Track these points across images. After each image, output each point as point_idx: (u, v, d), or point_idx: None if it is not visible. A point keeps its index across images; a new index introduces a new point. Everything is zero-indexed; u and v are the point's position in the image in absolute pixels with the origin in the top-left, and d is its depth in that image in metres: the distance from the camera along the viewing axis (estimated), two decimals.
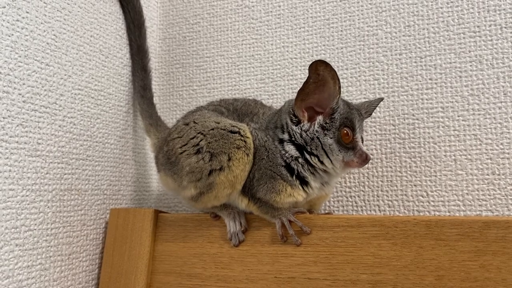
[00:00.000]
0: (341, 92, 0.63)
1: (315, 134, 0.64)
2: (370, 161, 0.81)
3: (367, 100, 0.79)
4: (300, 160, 0.65)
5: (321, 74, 0.60)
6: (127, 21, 0.91)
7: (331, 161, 0.65)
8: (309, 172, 0.66)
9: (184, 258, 0.73)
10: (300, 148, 0.66)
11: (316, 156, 0.65)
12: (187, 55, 0.99)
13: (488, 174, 0.74)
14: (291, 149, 0.66)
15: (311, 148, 0.65)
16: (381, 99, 0.75)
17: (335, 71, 0.60)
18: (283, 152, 0.66)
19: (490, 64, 0.75)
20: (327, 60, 0.86)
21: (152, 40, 1.00)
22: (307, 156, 0.65)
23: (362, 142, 0.67)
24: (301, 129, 0.65)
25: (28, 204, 0.66)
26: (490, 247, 0.57)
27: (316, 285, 0.64)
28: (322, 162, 0.65)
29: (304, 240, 0.66)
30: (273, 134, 0.68)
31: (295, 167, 0.66)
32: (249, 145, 0.66)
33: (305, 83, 0.62)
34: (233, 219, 0.70)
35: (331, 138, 0.64)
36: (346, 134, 0.63)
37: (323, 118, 0.64)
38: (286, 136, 0.66)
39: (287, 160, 0.66)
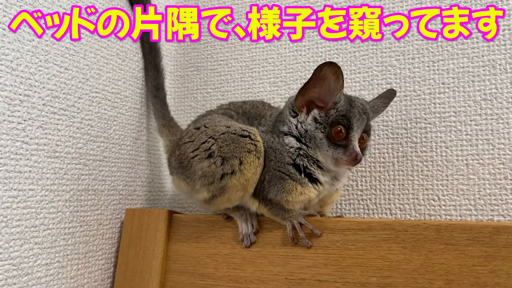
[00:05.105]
0: (344, 88, 0.63)
1: (307, 126, 0.65)
2: (381, 164, 0.81)
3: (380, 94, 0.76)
4: (302, 152, 0.66)
5: (323, 70, 0.61)
6: None
7: (321, 155, 0.65)
8: (315, 166, 0.66)
9: (197, 258, 0.74)
10: (299, 140, 0.67)
11: (311, 148, 0.66)
12: (201, 58, 1.01)
13: (500, 179, 0.74)
14: (291, 141, 0.67)
15: (305, 140, 0.66)
16: (393, 91, 0.73)
17: (338, 67, 0.60)
18: (287, 147, 0.67)
19: (504, 69, 0.75)
20: (340, 64, 0.87)
21: (167, 43, 1.01)
22: (304, 147, 0.66)
23: (365, 142, 0.67)
24: (297, 120, 0.66)
25: (47, 204, 0.69)
26: (500, 253, 0.57)
27: (326, 287, 0.65)
28: (316, 155, 0.66)
29: (314, 243, 0.67)
30: (278, 131, 0.69)
31: (301, 162, 0.66)
32: (260, 148, 0.67)
33: (308, 79, 0.63)
34: (245, 221, 0.71)
35: (322, 132, 0.64)
36: (339, 131, 0.63)
37: (318, 112, 0.65)
38: (285, 128, 0.67)
39: (293, 157, 0.66)
